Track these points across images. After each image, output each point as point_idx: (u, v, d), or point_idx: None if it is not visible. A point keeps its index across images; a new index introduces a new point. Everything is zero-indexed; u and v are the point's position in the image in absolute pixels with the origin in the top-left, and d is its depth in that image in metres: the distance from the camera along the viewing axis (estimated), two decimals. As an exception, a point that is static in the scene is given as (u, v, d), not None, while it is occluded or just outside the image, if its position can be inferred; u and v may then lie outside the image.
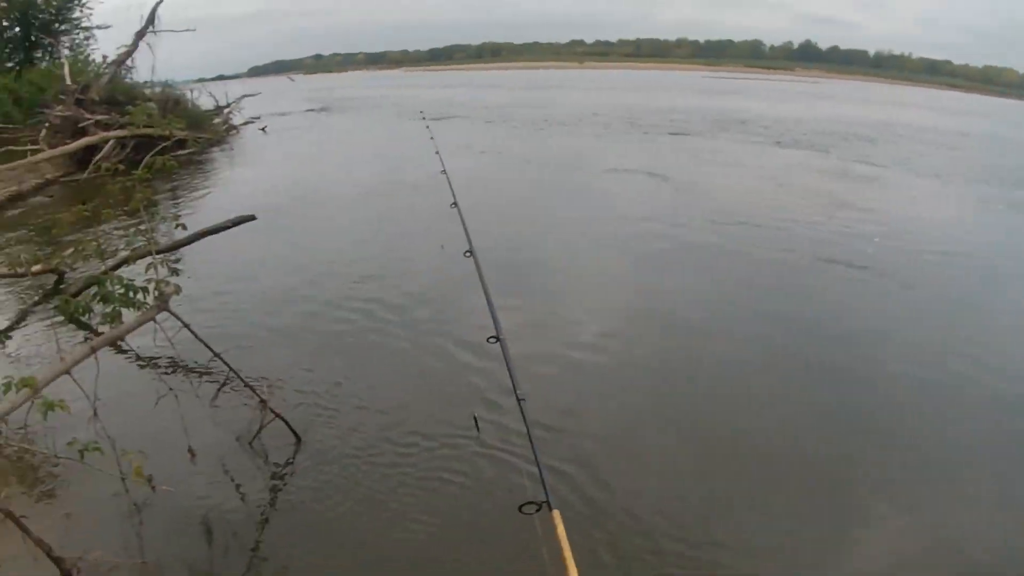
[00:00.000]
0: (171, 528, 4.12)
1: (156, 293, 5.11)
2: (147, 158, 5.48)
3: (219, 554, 4.00)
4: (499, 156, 19.72)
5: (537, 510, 2.50)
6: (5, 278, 8.38)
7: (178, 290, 5.22)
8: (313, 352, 6.46)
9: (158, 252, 5.31)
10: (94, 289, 5.11)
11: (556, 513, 2.46)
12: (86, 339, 5.28)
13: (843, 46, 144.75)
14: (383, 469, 4.58)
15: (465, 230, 5.15)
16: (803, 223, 11.73)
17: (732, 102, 40.25)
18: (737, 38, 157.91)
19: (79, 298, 5.35)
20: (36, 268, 8.11)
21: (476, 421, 4.65)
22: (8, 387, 3.94)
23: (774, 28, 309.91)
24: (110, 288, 4.94)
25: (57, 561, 3.52)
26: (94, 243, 5.46)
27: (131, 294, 5.00)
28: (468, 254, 4.56)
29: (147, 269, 5.18)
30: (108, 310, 4.93)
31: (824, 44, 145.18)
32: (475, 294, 4.21)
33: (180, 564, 3.86)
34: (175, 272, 5.30)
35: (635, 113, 31.38)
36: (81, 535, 3.92)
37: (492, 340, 3.43)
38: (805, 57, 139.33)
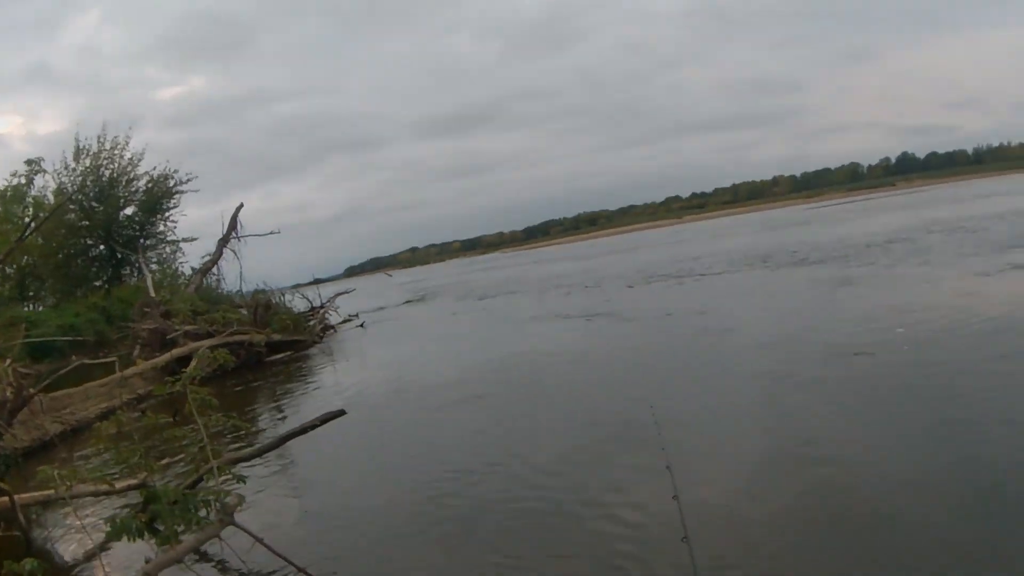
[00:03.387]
0: None
1: (217, 506, 4.48)
2: (194, 360, 5.05)
3: None
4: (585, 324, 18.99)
5: None
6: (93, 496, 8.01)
7: (240, 501, 4.57)
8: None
9: (236, 461, 4.76)
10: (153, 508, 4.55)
11: None
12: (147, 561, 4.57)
13: (941, 150, 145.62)
14: None
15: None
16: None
17: (791, 233, 38.23)
18: (833, 164, 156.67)
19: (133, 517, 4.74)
20: (123, 484, 7.66)
21: None
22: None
23: (870, 147, 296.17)
24: (163, 505, 4.33)
25: None
26: (138, 455, 4.90)
27: (191, 509, 4.38)
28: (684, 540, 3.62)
29: (207, 479, 4.61)
30: (161, 529, 4.31)
31: (922, 153, 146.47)
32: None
33: None
34: (240, 480, 4.66)
35: (676, 261, 30.45)
36: None
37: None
38: (905, 169, 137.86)
